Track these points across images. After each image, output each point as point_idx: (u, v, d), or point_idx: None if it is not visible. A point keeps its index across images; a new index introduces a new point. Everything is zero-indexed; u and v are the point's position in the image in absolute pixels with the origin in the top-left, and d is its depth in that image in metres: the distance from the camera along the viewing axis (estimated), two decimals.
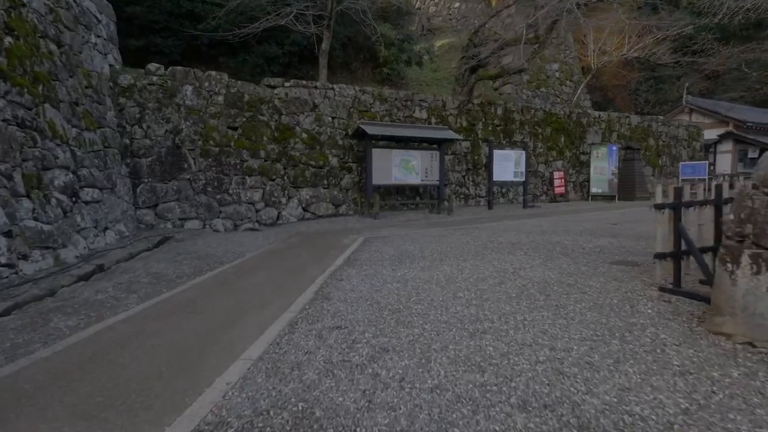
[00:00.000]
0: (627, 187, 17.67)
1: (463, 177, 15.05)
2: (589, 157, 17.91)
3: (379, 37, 16.26)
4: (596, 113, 19.08)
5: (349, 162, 12.77)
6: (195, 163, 10.64)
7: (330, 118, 12.46)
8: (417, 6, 30.86)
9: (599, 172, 17.27)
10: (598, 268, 5.11)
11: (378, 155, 11.98)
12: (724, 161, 28.67)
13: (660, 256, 4.19)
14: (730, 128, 28.29)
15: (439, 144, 13.02)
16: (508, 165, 14.23)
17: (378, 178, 12.01)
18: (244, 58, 15.06)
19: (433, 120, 14.31)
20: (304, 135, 12.02)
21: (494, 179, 14.00)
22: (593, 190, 17.45)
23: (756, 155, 28.48)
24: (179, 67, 10.64)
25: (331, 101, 12.50)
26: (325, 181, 12.33)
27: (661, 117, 23.27)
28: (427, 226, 10.03)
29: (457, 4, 29.41)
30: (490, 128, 15.64)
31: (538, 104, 18.43)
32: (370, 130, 11.42)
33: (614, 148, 17.39)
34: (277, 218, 11.54)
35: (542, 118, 17.10)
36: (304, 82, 12.25)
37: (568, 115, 17.95)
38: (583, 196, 18.21)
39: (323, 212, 12.19)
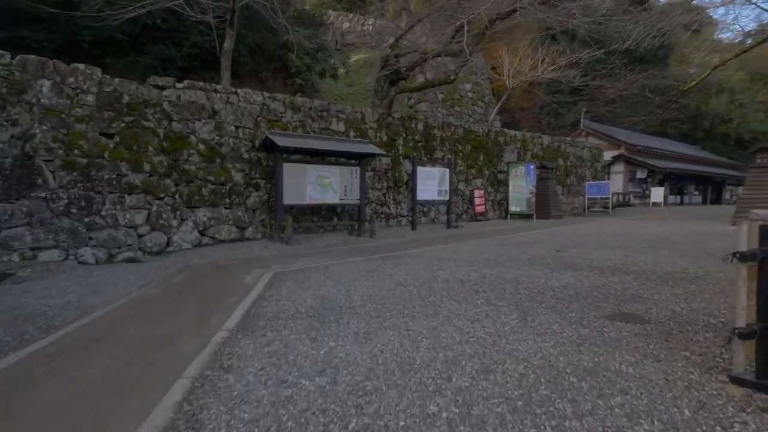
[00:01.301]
0: (542, 206, 17.80)
1: (384, 195, 13.99)
2: (507, 175, 17.83)
3: (291, 41, 14.84)
4: (512, 132, 19.20)
5: (257, 178, 11.09)
6: (54, 177, 8.36)
7: (233, 127, 10.73)
8: (330, 21, 29.90)
9: (518, 190, 17.19)
10: (605, 331, 3.78)
11: (290, 171, 10.46)
12: (617, 181, 30.95)
13: (747, 335, 2.69)
14: (622, 151, 30.65)
15: (360, 159, 11.82)
16: (431, 183, 13.41)
17: (290, 197, 10.47)
18: (135, 59, 12.80)
19: (352, 133, 13.13)
20: (202, 146, 10.17)
21: (417, 198, 13.08)
22: (512, 208, 17.32)
23: (644, 176, 31.11)
24: (32, 56, 8.37)
25: (235, 108, 10.79)
26: (228, 200, 10.52)
27: (568, 138, 24.33)
28: (350, 254, 8.70)
29: (371, 21, 28.90)
30: (410, 144, 14.81)
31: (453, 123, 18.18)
32: (281, 141, 9.90)
33: (531, 166, 17.46)
34: (167, 245, 9.52)
35: (462, 135, 16.69)
36: (201, 84, 10.42)
37: (486, 134, 17.78)
38: (501, 215, 18.05)
39: (225, 236, 10.36)
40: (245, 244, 10.18)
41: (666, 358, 3.27)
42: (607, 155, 29.92)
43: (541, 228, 13.89)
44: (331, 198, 11.26)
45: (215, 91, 10.55)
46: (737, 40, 55.86)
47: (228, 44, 12.02)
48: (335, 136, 12.38)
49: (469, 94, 25.68)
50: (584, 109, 32.14)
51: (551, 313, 4.34)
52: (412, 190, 13.16)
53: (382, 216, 13.86)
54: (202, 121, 10.22)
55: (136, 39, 12.80)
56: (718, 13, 54.90)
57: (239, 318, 4.33)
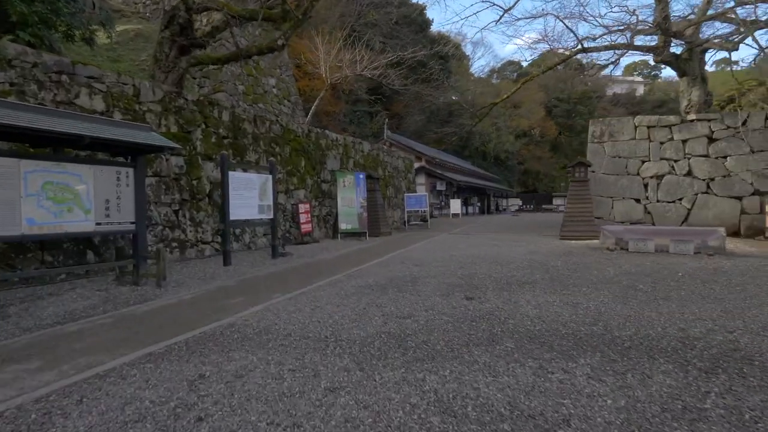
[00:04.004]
0: (373, 222, 15.44)
1: (176, 213, 9.36)
2: (332, 185, 14.91)
3: None
4: (334, 136, 16.42)
5: None
6: None
7: None
8: None
9: (348, 204, 14.38)
10: None
11: None
12: (420, 193, 31.54)
13: None
14: (423, 163, 31.27)
15: (135, 156, 7.14)
16: (250, 195, 9.42)
17: None
18: None
19: (119, 115, 8.24)
20: None
21: (231, 217, 8.92)
22: (342, 226, 14.38)
23: (443, 188, 32.36)
24: None
25: None
26: None
27: (386, 147, 22.94)
28: (117, 341, 4.28)
29: None
30: (213, 139, 10.50)
31: None
32: None
33: (361, 176, 14.90)
34: None
35: (279, 134, 13.08)
36: None
37: (306, 135, 14.53)
38: (328, 233, 14.99)
39: None
40: None
41: None
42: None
43: (387, 251, 11.30)
44: (79, 222, 6.30)
45: None
46: (485, 74, 66.71)
47: None
48: (88, 115, 7.32)
49: (274, 90, 22.01)
50: (386, 119, 31.87)
51: None
52: (223, 206, 8.95)
53: (175, 244, 9.20)
54: None
55: None
56: (468, 49, 63.87)
57: None
